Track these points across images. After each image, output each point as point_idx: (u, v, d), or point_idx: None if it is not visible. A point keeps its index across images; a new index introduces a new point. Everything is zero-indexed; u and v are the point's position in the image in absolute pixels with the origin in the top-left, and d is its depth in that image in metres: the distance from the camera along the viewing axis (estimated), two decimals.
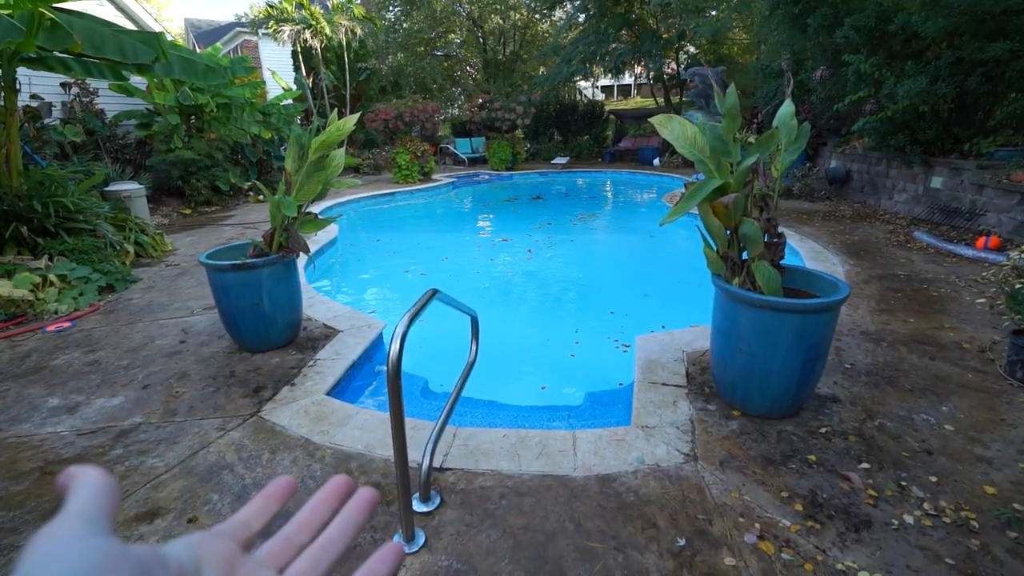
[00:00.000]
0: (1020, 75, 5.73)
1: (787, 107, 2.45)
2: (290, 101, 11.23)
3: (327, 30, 13.20)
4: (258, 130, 9.44)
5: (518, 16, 18.27)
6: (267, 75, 14.11)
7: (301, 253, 3.29)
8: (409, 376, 3.15)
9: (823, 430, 2.40)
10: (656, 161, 14.00)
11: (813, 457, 2.22)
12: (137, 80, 7.76)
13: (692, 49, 15.39)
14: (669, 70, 15.35)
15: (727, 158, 2.43)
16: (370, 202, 10.07)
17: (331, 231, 6.74)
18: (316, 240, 6.20)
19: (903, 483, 2.05)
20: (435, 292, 1.93)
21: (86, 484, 0.26)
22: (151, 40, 4.63)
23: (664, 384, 2.81)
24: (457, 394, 2.38)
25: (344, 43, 13.82)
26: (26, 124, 6.92)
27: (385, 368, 1.65)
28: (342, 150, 3.28)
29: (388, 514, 1.95)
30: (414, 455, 2.11)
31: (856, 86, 6.94)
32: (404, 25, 18.10)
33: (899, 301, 4.00)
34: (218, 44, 9.71)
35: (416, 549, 1.79)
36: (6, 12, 3.97)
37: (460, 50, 19.79)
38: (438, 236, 8.29)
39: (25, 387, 2.96)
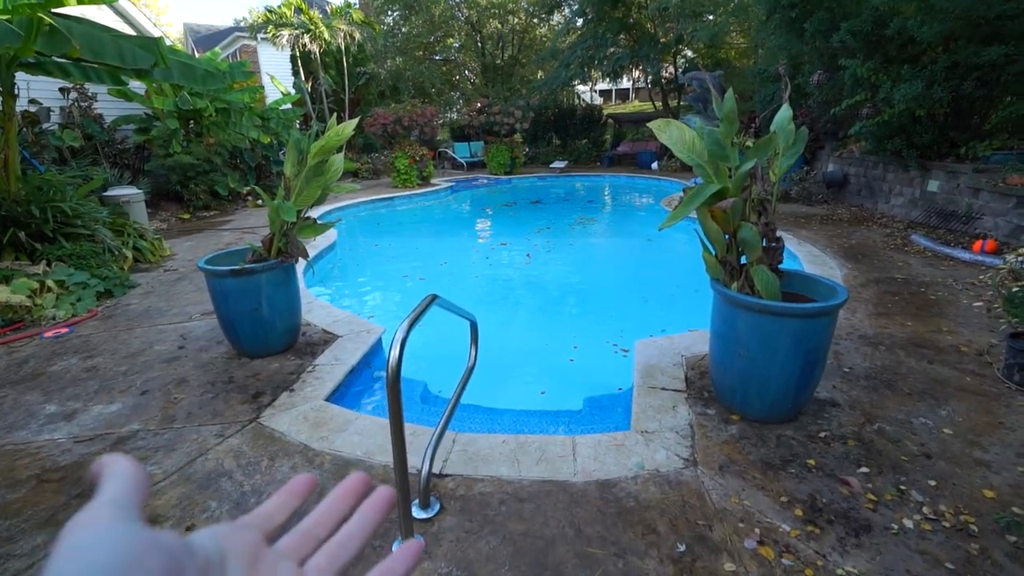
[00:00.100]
0: (1015, 79, 5.77)
1: (785, 112, 2.46)
2: (289, 105, 11.26)
3: (326, 35, 13.23)
4: (257, 135, 9.45)
5: (516, 20, 18.35)
6: (266, 80, 14.13)
7: (300, 258, 3.29)
8: (408, 381, 3.15)
9: (822, 434, 2.40)
10: (654, 165, 14.04)
11: (812, 461, 2.22)
12: (136, 85, 7.76)
13: (690, 53, 15.47)
14: (667, 74, 15.42)
15: (725, 162, 2.44)
16: (369, 206, 10.07)
17: (330, 236, 6.74)
18: (315, 245, 6.20)
19: (902, 487, 2.06)
20: (434, 298, 1.93)
21: (117, 473, 0.27)
22: (150, 45, 4.64)
23: (663, 389, 2.81)
24: (456, 399, 2.38)
25: (343, 47, 13.85)
26: (24, 129, 6.92)
27: (384, 374, 1.65)
28: (341, 155, 3.29)
29: (387, 520, 1.94)
30: (413, 461, 2.11)
31: (853, 90, 6.98)
32: (403, 30, 18.17)
33: (897, 305, 4.01)
34: (217, 49, 9.76)
35: None
36: (5, 17, 3.98)
37: (459, 54, 19.87)
38: (437, 240, 8.30)
39: (22, 394, 2.95)
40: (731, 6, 12.74)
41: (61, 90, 7.86)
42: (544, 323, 4.82)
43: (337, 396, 2.91)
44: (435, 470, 2.18)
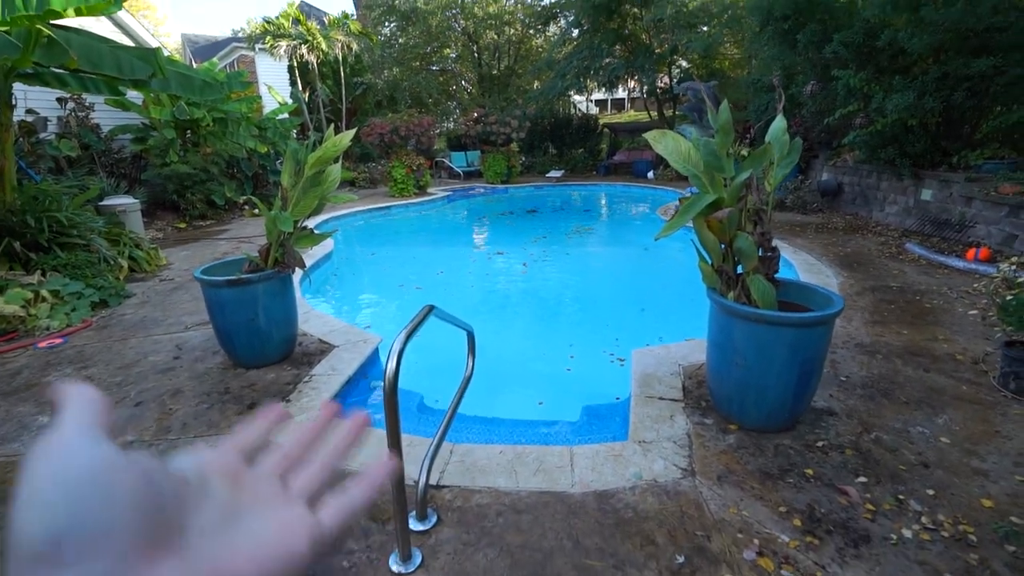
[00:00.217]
0: (1004, 90, 5.86)
1: (779, 122, 2.49)
2: (286, 115, 11.30)
3: (323, 45, 13.32)
4: (254, 144, 9.47)
5: (513, 31, 18.51)
6: (263, 90, 14.19)
7: (297, 268, 3.29)
8: (405, 392, 3.13)
9: (820, 443, 2.40)
10: (650, 174, 14.12)
11: (810, 471, 2.22)
12: (133, 95, 7.79)
13: (684, 64, 15.61)
14: (662, 84, 15.55)
15: (721, 173, 2.45)
16: (366, 216, 10.08)
17: (326, 245, 6.73)
18: (312, 254, 6.19)
19: (901, 497, 2.05)
20: (432, 308, 1.93)
21: (78, 397, 0.26)
22: (148, 56, 4.66)
23: (661, 398, 2.81)
24: (454, 410, 2.37)
25: (340, 58, 13.94)
26: (21, 139, 6.92)
27: (381, 384, 1.64)
28: (338, 165, 3.29)
29: (384, 533, 1.93)
30: (411, 472, 2.10)
31: (846, 100, 7.06)
32: (400, 40, 18.28)
33: (892, 313, 4.03)
34: (215, 59, 9.79)
35: (413, 569, 1.76)
36: (3, 29, 3.99)
37: (455, 65, 20.00)
38: (434, 250, 8.30)
39: (15, 405, 2.92)
40: (725, 18, 12.90)
41: (58, 100, 7.88)
42: (541, 332, 4.82)
43: None
44: (432, 481, 2.16)
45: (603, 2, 13.55)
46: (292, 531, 0.27)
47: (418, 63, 18.50)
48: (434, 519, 1.98)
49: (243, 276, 3.10)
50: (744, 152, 7.69)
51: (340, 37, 13.49)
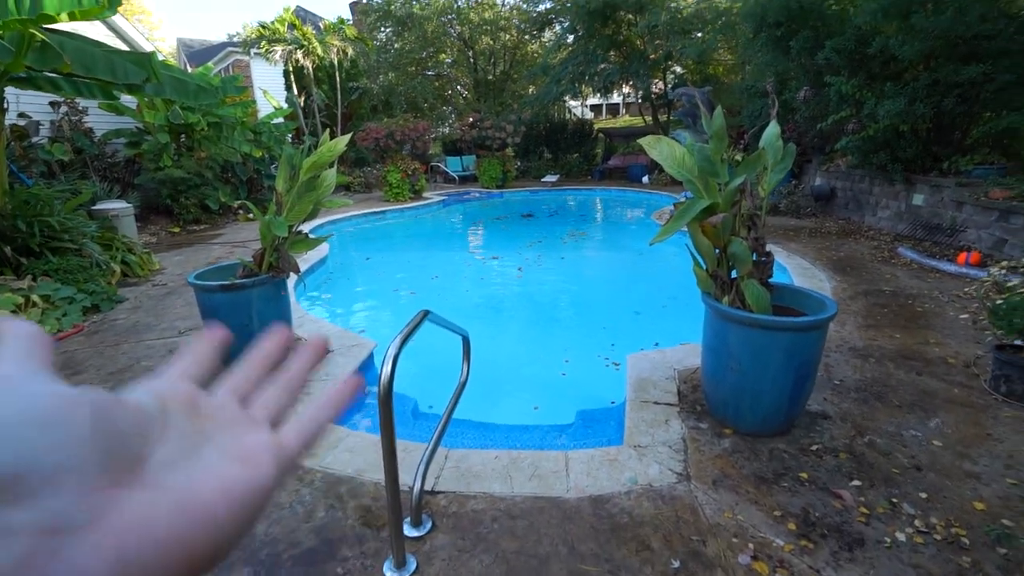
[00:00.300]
0: (994, 96, 5.94)
1: (773, 128, 2.51)
2: (281, 120, 11.29)
3: (319, 50, 13.33)
4: (249, 149, 9.45)
5: (508, 37, 18.60)
6: (258, 94, 14.19)
7: (291, 272, 3.28)
8: (400, 397, 3.12)
9: (814, 447, 2.41)
10: (645, 179, 14.19)
11: (805, 475, 2.22)
12: (127, 99, 7.76)
13: (679, 69, 15.73)
14: (656, 89, 15.65)
15: (715, 178, 2.47)
16: (360, 220, 10.07)
17: (321, 249, 6.72)
18: (306, 259, 6.17)
19: (894, 500, 2.06)
20: (427, 313, 1.93)
21: (14, 332, 0.25)
22: (142, 60, 4.65)
23: (656, 403, 2.81)
24: (448, 415, 2.36)
25: (336, 63, 13.95)
26: (13, 143, 6.87)
27: (376, 389, 1.64)
28: (333, 169, 3.29)
29: (379, 539, 1.91)
30: (405, 478, 2.08)
31: (838, 106, 7.13)
32: (395, 45, 18.33)
33: (885, 317, 4.06)
34: (210, 63, 9.79)
35: (408, 575, 1.75)
36: None
37: (451, 70, 20.06)
38: (428, 254, 8.29)
39: None
40: (719, 24, 13.01)
41: (51, 104, 7.83)
42: (536, 337, 4.82)
43: None
44: (427, 487, 2.15)
45: (598, 8, 13.65)
46: (256, 455, 0.27)
47: (414, 68, 18.56)
48: (429, 525, 1.97)
49: (237, 281, 3.09)
50: (738, 157, 7.73)
51: (336, 42, 13.50)
